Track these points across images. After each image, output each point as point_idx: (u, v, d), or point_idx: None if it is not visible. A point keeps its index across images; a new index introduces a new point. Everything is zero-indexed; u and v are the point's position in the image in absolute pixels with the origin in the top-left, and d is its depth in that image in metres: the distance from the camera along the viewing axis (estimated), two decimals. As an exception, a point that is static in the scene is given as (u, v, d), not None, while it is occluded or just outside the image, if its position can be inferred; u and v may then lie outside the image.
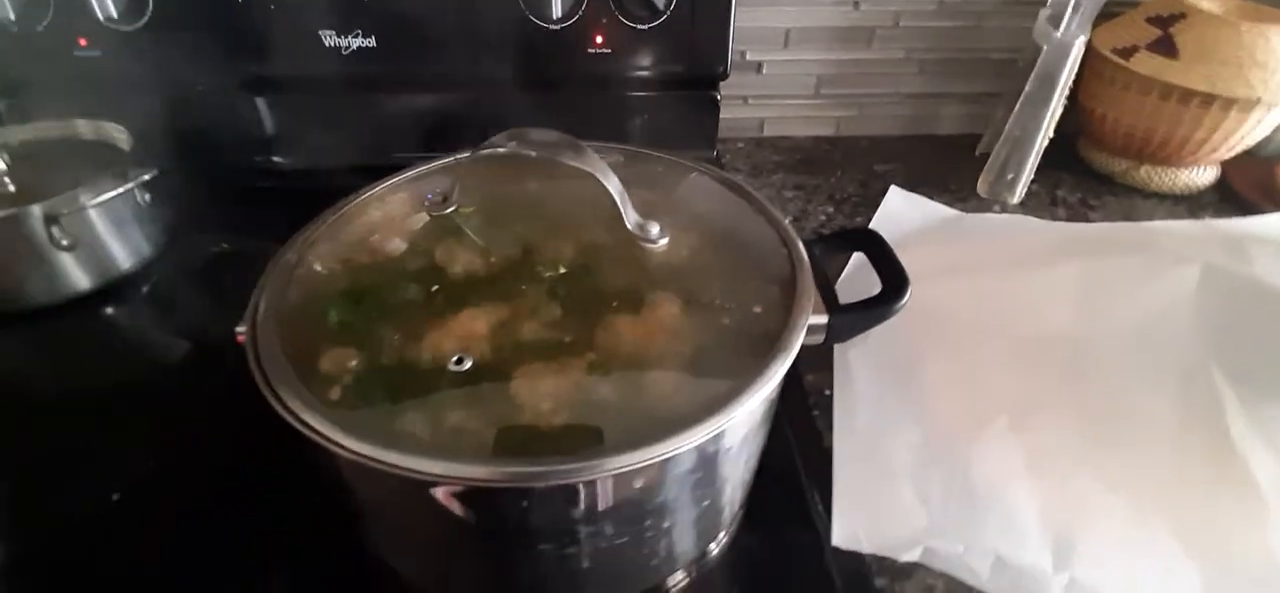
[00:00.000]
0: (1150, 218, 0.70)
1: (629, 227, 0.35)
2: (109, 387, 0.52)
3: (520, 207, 0.41)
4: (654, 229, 0.36)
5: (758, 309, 0.34)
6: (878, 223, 0.68)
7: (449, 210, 0.39)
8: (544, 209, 0.41)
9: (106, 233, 0.57)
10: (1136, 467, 0.42)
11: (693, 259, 0.37)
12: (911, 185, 0.75)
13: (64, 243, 0.53)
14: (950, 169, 0.78)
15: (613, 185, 0.35)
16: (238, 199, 0.66)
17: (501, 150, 0.35)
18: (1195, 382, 0.46)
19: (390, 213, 0.41)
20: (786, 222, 0.39)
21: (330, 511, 0.40)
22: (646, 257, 0.37)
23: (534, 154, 0.34)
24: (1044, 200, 0.73)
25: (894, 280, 0.38)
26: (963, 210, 0.71)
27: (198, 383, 0.52)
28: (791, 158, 0.82)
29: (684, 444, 0.27)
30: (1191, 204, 0.73)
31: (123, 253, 0.58)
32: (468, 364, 0.32)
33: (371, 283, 0.36)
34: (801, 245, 0.37)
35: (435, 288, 0.35)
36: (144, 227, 0.60)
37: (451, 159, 0.44)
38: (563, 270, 0.36)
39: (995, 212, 0.71)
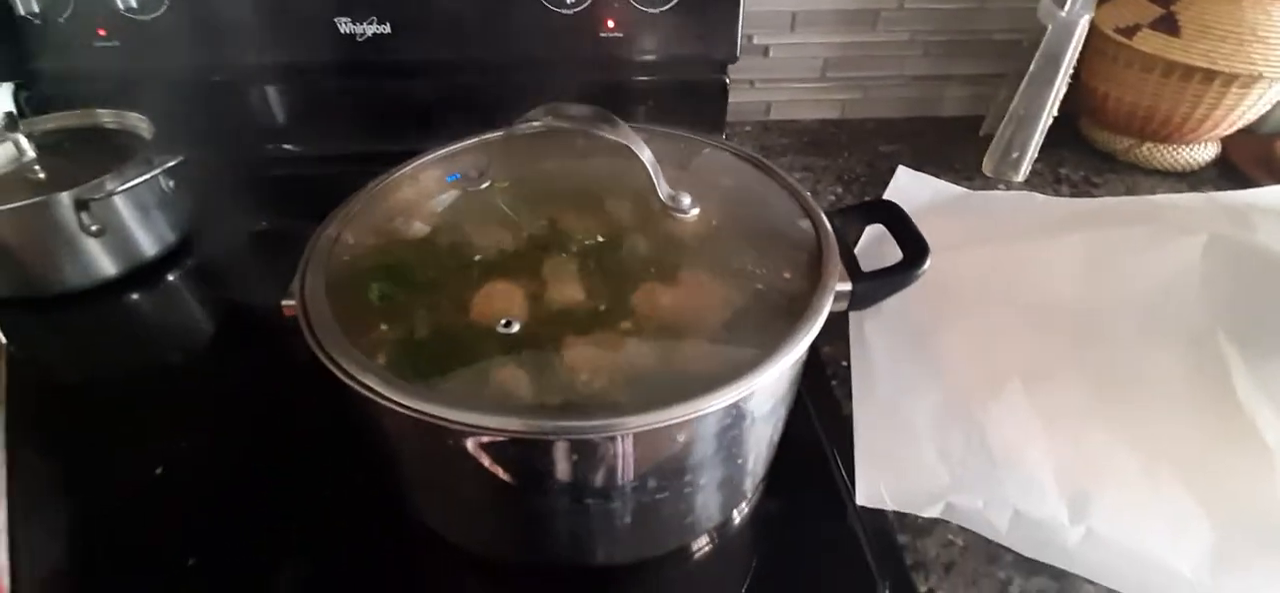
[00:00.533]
0: (1152, 194, 0.72)
1: (661, 198, 0.37)
2: (142, 368, 0.54)
3: (553, 181, 0.42)
4: (685, 200, 0.38)
5: (786, 275, 0.35)
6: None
7: (484, 186, 0.40)
8: (575, 183, 0.42)
9: (132, 219, 0.58)
10: (1147, 426, 0.44)
11: (721, 229, 0.38)
12: (917, 166, 0.77)
13: (93, 228, 0.54)
14: (955, 149, 0.79)
15: (646, 156, 0.36)
16: (257, 186, 0.68)
17: (537, 125, 0.36)
18: (1203, 346, 0.47)
19: (426, 189, 0.42)
20: (808, 193, 0.41)
21: (369, 478, 0.42)
22: (678, 227, 0.38)
23: (569, 126, 0.35)
24: (1048, 178, 0.75)
25: (914, 248, 0.39)
26: (968, 188, 0.72)
27: (229, 363, 0.53)
28: (799, 140, 0.83)
29: (723, 400, 0.29)
30: (1192, 180, 0.74)
31: (147, 240, 0.59)
32: (515, 326, 0.33)
33: (413, 256, 0.38)
34: (824, 215, 0.39)
35: (478, 258, 0.37)
36: (167, 213, 0.61)
37: (486, 136, 0.45)
38: (600, 239, 0.37)
39: (1000, 189, 0.72)
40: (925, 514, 0.41)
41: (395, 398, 0.28)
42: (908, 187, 0.71)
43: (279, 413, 0.47)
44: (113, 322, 0.58)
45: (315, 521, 0.41)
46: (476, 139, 0.45)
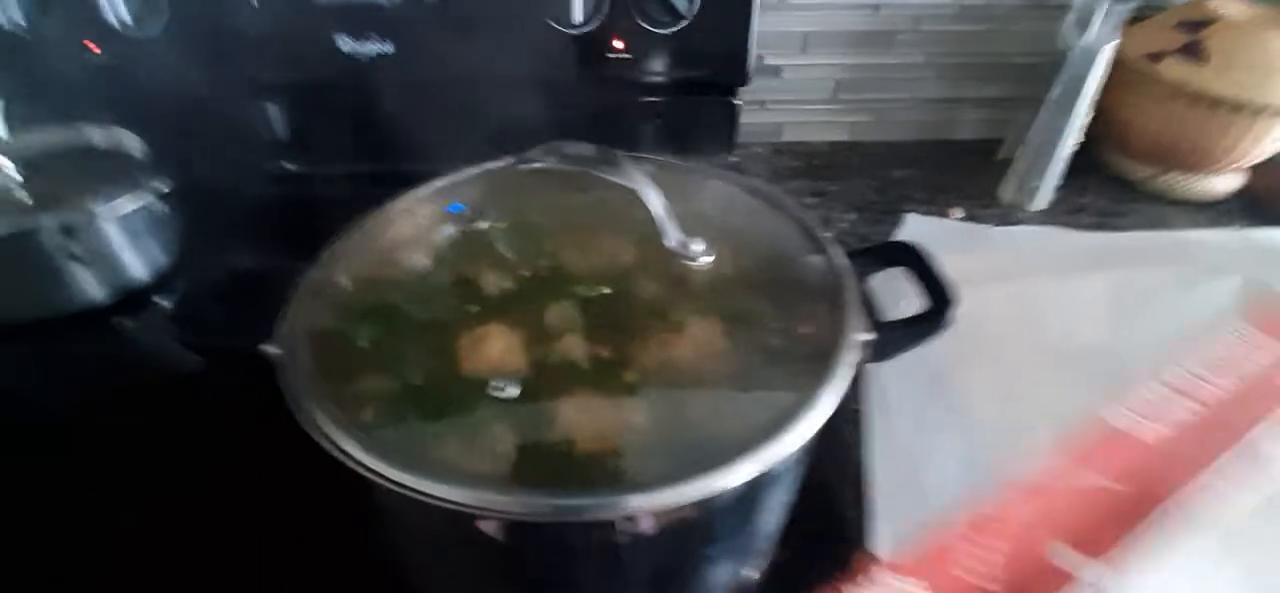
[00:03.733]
0: (1175, 225, 0.69)
1: (672, 244, 0.34)
2: (126, 401, 0.51)
3: (553, 220, 0.40)
4: (697, 247, 0.35)
5: (805, 330, 0.33)
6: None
7: (482, 225, 0.38)
8: (578, 222, 0.40)
9: (122, 245, 0.56)
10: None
11: (734, 276, 0.36)
12: (931, 191, 0.75)
13: (79, 254, 0.52)
14: (969, 174, 0.77)
15: (654, 201, 0.34)
16: (254, 208, 0.66)
17: (538, 165, 0.34)
18: None
19: (419, 226, 0.40)
20: (828, 237, 0.38)
21: (359, 537, 0.40)
22: (687, 274, 0.36)
23: (572, 169, 0.33)
24: (1067, 207, 0.72)
25: (940, 295, 0.37)
26: (982, 216, 0.70)
27: (218, 399, 0.51)
28: (810, 163, 0.81)
29: (737, 478, 0.26)
30: (1216, 212, 0.72)
31: (138, 265, 0.57)
32: (511, 390, 0.31)
33: (402, 300, 0.36)
34: (847, 261, 0.36)
35: (472, 308, 0.34)
36: (160, 238, 0.59)
37: (480, 169, 0.43)
38: (604, 290, 0.35)
39: (1018, 218, 0.70)
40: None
41: (372, 466, 0.26)
42: (919, 231, 0.68)
43: (264, 455, 0.45)
44: (98, 350, 0.56)
45: (296, 580, 0.39)
46: (472, 171, 0.43)
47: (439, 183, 0.43)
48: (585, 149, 0.34)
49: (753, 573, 0.39)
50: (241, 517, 0.42)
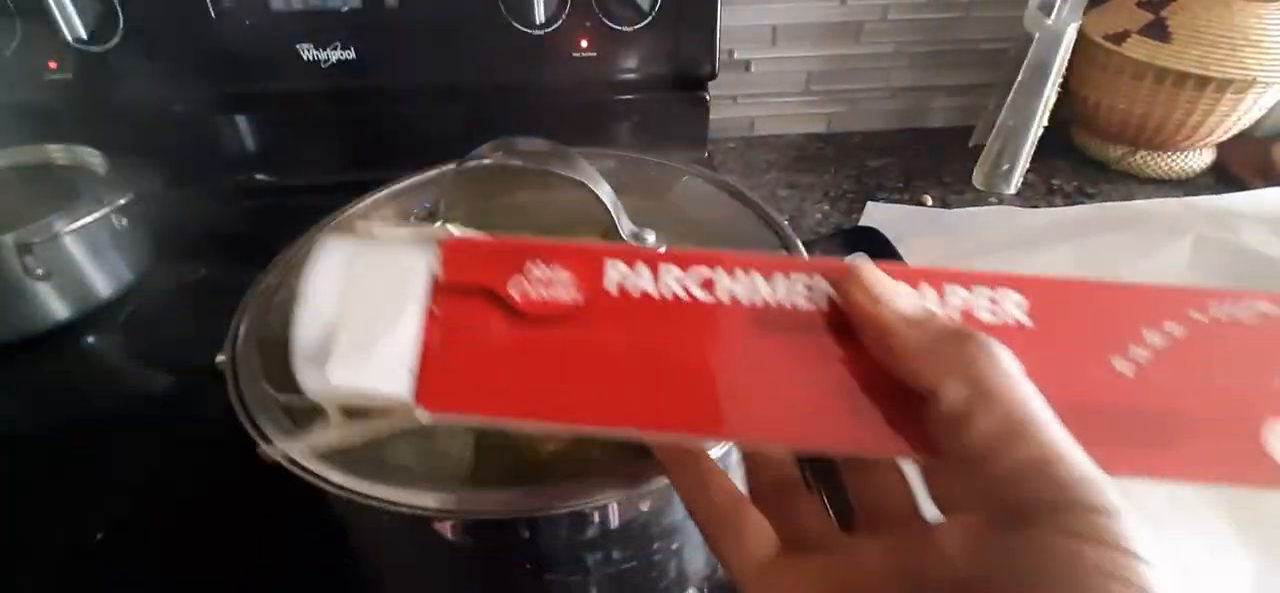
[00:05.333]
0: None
1: (623, 236, 0.34)
2: (90, 419, 0.51)
3: (511, 218, 0.39)
4: (650, 238, 0.35)
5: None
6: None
7: (436, 225, 0.38)
8: (535, 220, 0.39)
9: (84, 260, 0.55)
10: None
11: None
12: (905, 179, 0.75)
13: (39, 272, 0.52)
14: (944, 162, 0.77)
15: (605, 194, 0.33)
16: (219, 219, 0.65)
17: (487, 162, 0.33)
18: None
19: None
20: (785, 222, 0.38)
21: (322, 546, 0.39)
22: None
23: (521, 165, 0.33)
24: (1040, 190, 0.72)
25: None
26: (956, 202, 0.70)
27: (183, 414, 0.50)
28: (784, 156, 0.81)
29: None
30: (1188, 188, 0.72)
31: (101, 280, 0.56)
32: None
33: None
34: (802, 248, 0.36)
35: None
36: (123, 252, 0.58)
37: (436, 172, 0.43)
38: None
39: (991, 203, 0.70)
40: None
41: (318, 472, 0.26)
42: (881, 219, 0.68)
43: (231, 470, 0.44)
44: (63, 368, 0.55)
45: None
46: (427, 175, 0.42)
47: (395, 187, 0.43)
48: (538, 144, 0.34)
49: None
50: (206, 532, 0.42)
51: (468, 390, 0.20)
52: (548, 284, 0.21)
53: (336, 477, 0.26)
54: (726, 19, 0.67)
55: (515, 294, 0.21)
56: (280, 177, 0.70)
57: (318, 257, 0.21)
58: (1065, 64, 0.64)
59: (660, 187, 0.42)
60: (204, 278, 0.61)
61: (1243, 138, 0.72)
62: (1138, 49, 0.66)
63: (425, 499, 0.25)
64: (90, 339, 0.56)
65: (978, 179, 0.72)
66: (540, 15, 0.62)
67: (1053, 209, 0.69)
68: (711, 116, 0.73)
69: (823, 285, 0.21)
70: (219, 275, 0.60)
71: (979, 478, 0.18)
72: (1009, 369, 0.18)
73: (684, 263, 0.21)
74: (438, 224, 0.37)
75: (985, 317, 0.20)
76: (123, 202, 0.55)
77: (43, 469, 0.46)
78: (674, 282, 0.21)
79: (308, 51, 0.63)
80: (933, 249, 0.58)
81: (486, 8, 0.62)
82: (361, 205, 0.41)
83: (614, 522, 0.29)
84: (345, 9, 0.61)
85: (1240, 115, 0.67)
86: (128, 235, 0.58)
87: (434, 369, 0.20)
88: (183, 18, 0.60)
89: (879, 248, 0.39)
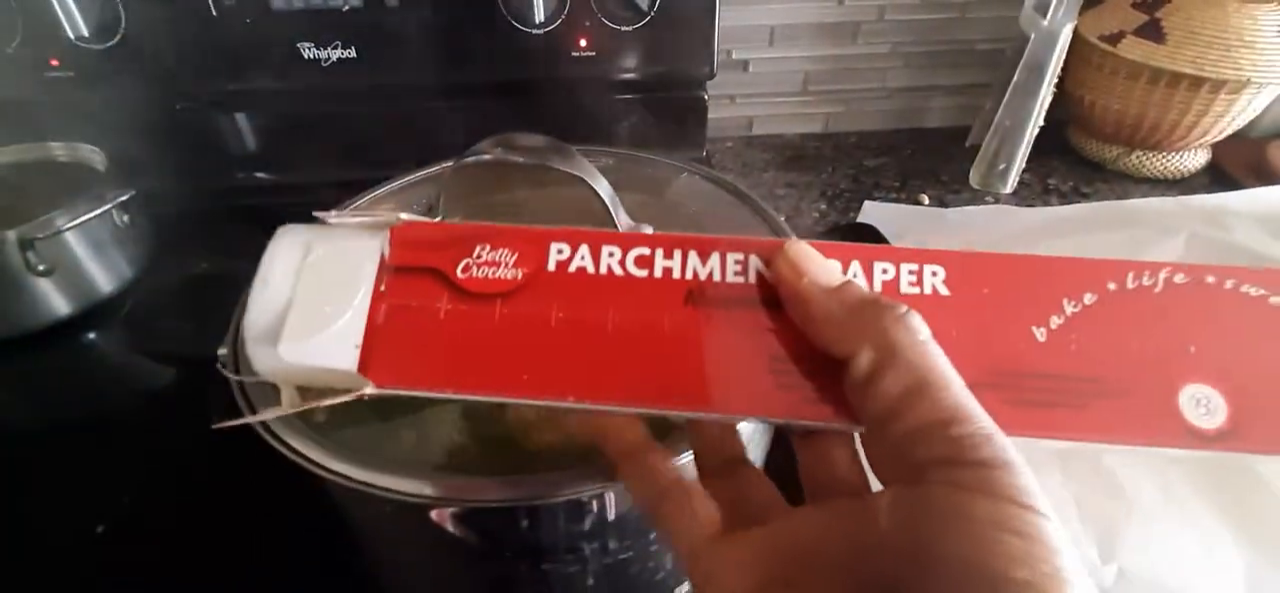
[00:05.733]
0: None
1: (620, 230, 0.34)
2: (92, 414, 0.51)
3: (508, 215, 0.40)
4: (646, 233, 0.35)
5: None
6: (862, 226, 0.68)
7: (436, 221, 0.38)
8: (533, 216, 0.39)
9: (85, 256, 0.55)
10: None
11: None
12: (902, 179, 0.75)
13: (40, 268, 0.52)
14: (941, 161, 0.78)
15: (602, 189, 0.34)
16: (220, 217, 0.66)
17: (487, 158, 0.34)
18: None
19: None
20: (782, 220, 0.39)
21: (325, 539, 0.39)
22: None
23: (520, 160, 0.33)
24: (1037, 189, 0.73)
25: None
26: (953, 202, 0.71)
27: (184, 408, 0.50)
28: (781, 155, 0.81)
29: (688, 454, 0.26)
30: (1183, 188, 0.73)
31: (103, 276, 0.57)
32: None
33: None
34: (798, 243, 0.36)
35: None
36: (124, 249, 0.58)
37: (436, 168, 0.43)
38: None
39: (988, 202, 0.70)
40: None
41: (321, 463, 0.26)
42: (878, 218, 0.69)
43: (231, 464, 0.44)
44: (64, 363, 0.55)
45: (263, 586, 0.39)
46: (426, 171, 0.43)
47: (394, 183, 0.43)
48: (536, 140, 0.34)
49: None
50: (206, 527, 0.42)
51: (413, 365, 0.21)
52: (493, 264, 0.22)
53: (336, 465, 0.26)
54: (724, 19, 0.67)
55: (461, 274, 0.22)
56: (280, 174, 0.71)
57: (275, 243, 0.22)
58: (1061, 64, 0.64)
59: (658, 184, 0.43)
60: (205, 274, 0.61)
61: (1237, 138, 0.72)
62: (1133, 50, 0.66)
63: (423, 487, 0.25)
64: (91, 335, 0.57)
65: (974, 178, 0.73)
66: (539, 15, 0.63)
67: (1048, 208, 0.69)
68: (710, 116, 0.74)
69: (756, 262, 0.21)
70: (219, 271, 0.61)
71: (887, 439, 0.18)
72: (917, 334, 0.19)
73: (625, 244, 0.22)
74: (406, 216, 0.38)
75: (908, 290, 0.21)
76: (124, 198, 0.55)
77: (44, 464, 0.47)
78: (613, 261, 0.22)
79: (308, 50, 0.63)
80: (932, 247, 0.58)
81: (486, 7, 0.62)
82: (361, 202, 0.41)
83: (612, 512, 0.29)
84: (346, 8, 0.62)
85: (1234, 116, 0.67)
86: (129, 232, 0.58)
87: (381, 345, 0.21)
88: (184, 16, 0.60)
89: (875, 244, 0.39)
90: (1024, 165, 0.70)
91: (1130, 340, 0.21)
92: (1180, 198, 0.65)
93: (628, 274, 0.21)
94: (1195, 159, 0.73)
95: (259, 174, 0.71)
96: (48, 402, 0.52)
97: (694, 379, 0.21)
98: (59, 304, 0.55)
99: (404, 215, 0.23)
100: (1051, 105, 0.67)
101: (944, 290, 0.21)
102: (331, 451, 0.27)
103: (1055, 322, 0.21)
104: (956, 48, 0.80)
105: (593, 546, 0.30)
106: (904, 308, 0.19)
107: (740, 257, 0.22)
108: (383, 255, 0.22)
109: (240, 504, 0.42)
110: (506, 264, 0.22)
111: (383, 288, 0.22)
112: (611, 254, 0.22)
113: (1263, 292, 0.21)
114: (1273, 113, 0.73)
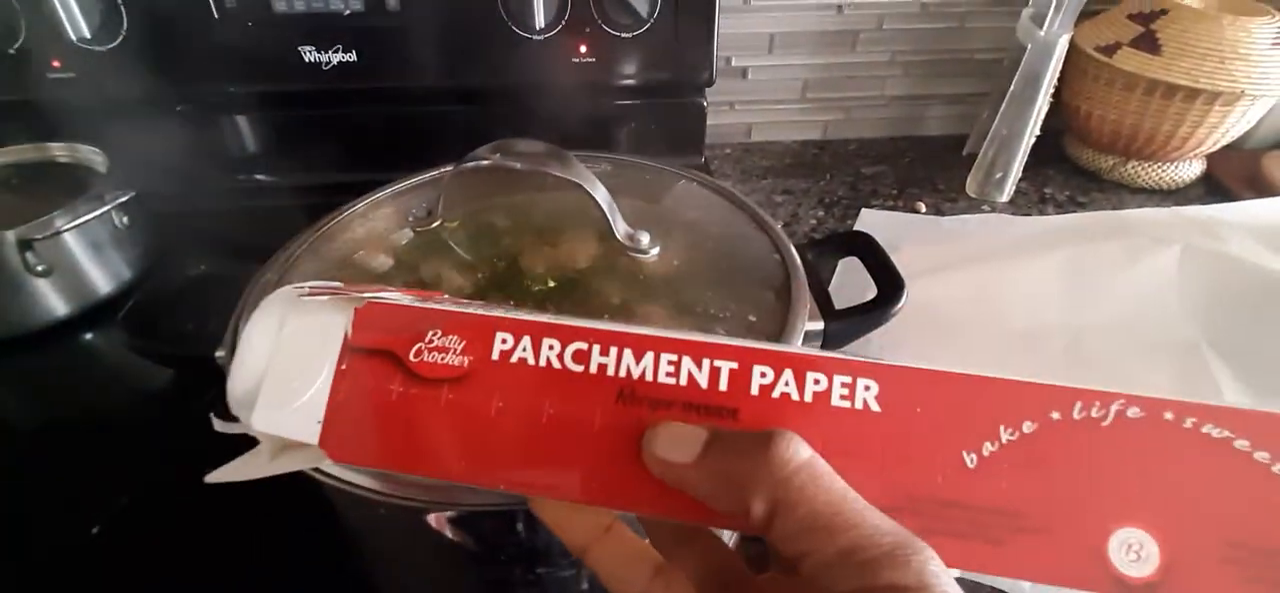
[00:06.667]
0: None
1: (619, 237, 0.35)
2: (90, 414, 0.51)
3: (507, 219, 0.40)
4: (644, 239, 0.36)
5: (753, 318, 0.33)
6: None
7: (434, 225, 0.38)
8: (531, 221, 0.40)
9: (84, 257, 0.55)
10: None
11: (684, 268, 0.36)
12: (900, 187, 0.75)
13: (39, 268, 0.52)
14: (938, 170, 0.78)
15: (600, 195, 0.34)
16: (219, 219, 0.66)
17: (486, 163, 0.34)
18: (1189, 360, 0.47)
19: (374, 229, 0.40)
20: (778, 227, 0.39)
21: (322, 542, 0.40)
22: (637, 267, 0.36)
23: (519, 166, 0.33)
24: (1033, 198, 0.73)
25: (889, 283, 0.37)
26: (950, 210, 0.71)
27: (182, 409, 0.51)
28: (780, 162, 0.82)
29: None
30: (1178, 198, 0.73)
31: (101, 277, 0.57)
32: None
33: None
34: (795, 251, 0.37)
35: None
36: (123, 250, 0.58)
37: (436, 172, 0.43)
38: (552, 284, 0.35)
39: (984, 211, 0.71)
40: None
41: (320, 467, 0.26)
42: (875, 225, 0.69)
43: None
44: (62, 365, 0.55)
45: (260, 588, 0.39)
46: (426, 176, 0.43)
47: (394, 188, 0.43)
48: (536, 146, 0.35)
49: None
50: (203, 528, 0.42)
51: (365, 442, 0.23)
52: (442, 350, 0.23)
53: (334, 468, 0.27)
54: (724, 27, 0.67)
55: (413, 359, 0.23)
56: (281, 177, 0.71)
57: (256, 314, 0.24)
58: (1057, 75, 0.65)
59: (656, 190, 0.43)
60: (204, 276, 0.61)
61: (1232, 149, 0.73)
62: (1128, 61, 0.67)
63: (421, 491, 0.26)
64: (90, 336, 0.57)
65: (971, 187, 0.73)
66: (540, 20, 0.63)
67: (1044, 217, 0.70)
68: (708, 122, 0.74)
69: (688, 365, 0.22)
70: (218, 273, 0.61)
71: (805, 577, 0.18)
72: (805, 472, 0.18)
73: (565, 338, 0.23)
74: (370, 295, 0.38)
75: (840, 402, 0.21)
76: (124, 199, 0.56)
77: (41, 464, 0.47)
78: (552, 353, 0.22)
79: (309, 53, 0.64)
80: (926, 256, 0.58)
81: (486, 12, 0.63)
82: (360, 205, 0.42)
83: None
84: (347, 12, 0.62)
85: (1229, 127, 0.68)
86: (128, 233, 0.58)
87: (338, 421, 0.23)
88: (186, 18, 0.61)
89: (872, 252, 0.39)
90: (1020, 175, 0.70)
91: (1064, 475, 0.20)
92: (1175, 208, 0.66)
93: (565, 368, 0.22)
94: (1190, 170, 0.74)
95: (259, 176, 0.71)
96: (46, 402, 0.52)
97: (620, 476, 0.21)
98: (57, 304, 0.55)
99: (369, 294, 0.24)
100: (1048, 115, 0.67)
101: (875, 406, 0.21)
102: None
103: (988, 449, 0.20)
104: (955, 57, 0.81)
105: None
106: (776, 442, 0.19)
107: (674, 357, 0.22)
108: (346, 334, 0.23)
109: (238, 506, 0.42)
110: (455, 351, 0.23)
111: (344, 366, 0.23)
112: (552, 347, 0.22)
113: (1226, 434, 0.20)
114: (1267, 125, 0.73)
